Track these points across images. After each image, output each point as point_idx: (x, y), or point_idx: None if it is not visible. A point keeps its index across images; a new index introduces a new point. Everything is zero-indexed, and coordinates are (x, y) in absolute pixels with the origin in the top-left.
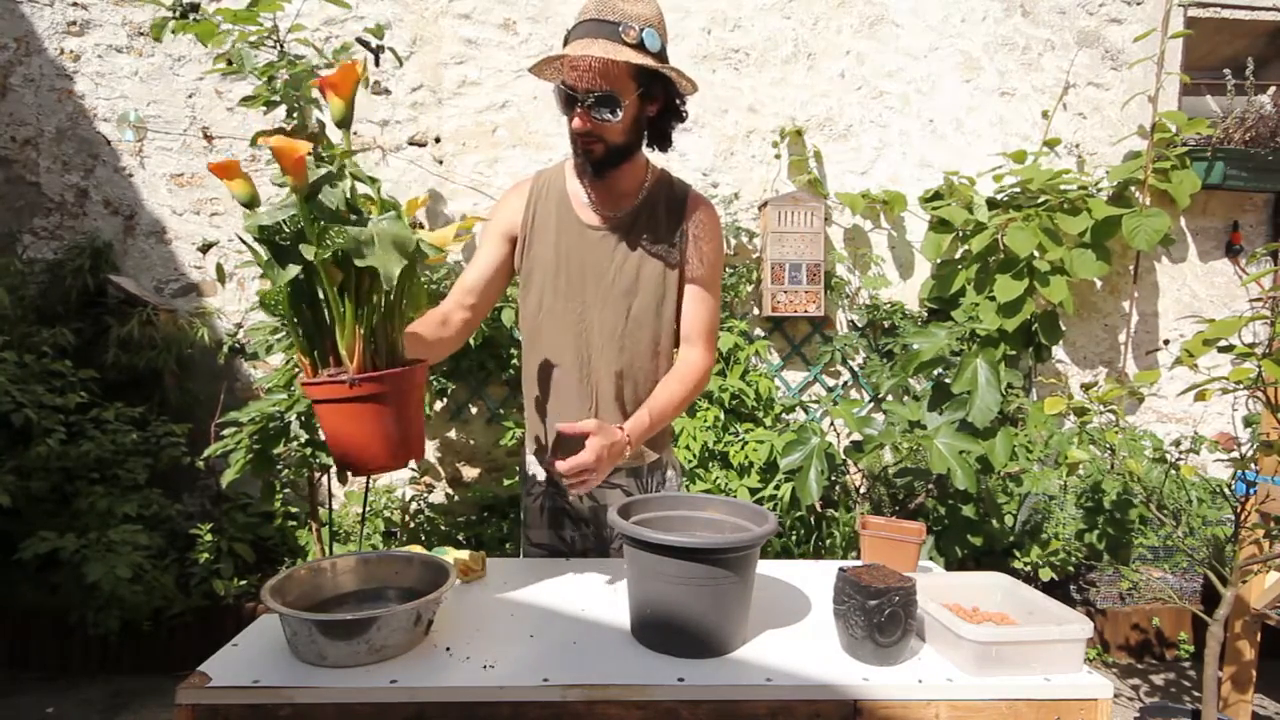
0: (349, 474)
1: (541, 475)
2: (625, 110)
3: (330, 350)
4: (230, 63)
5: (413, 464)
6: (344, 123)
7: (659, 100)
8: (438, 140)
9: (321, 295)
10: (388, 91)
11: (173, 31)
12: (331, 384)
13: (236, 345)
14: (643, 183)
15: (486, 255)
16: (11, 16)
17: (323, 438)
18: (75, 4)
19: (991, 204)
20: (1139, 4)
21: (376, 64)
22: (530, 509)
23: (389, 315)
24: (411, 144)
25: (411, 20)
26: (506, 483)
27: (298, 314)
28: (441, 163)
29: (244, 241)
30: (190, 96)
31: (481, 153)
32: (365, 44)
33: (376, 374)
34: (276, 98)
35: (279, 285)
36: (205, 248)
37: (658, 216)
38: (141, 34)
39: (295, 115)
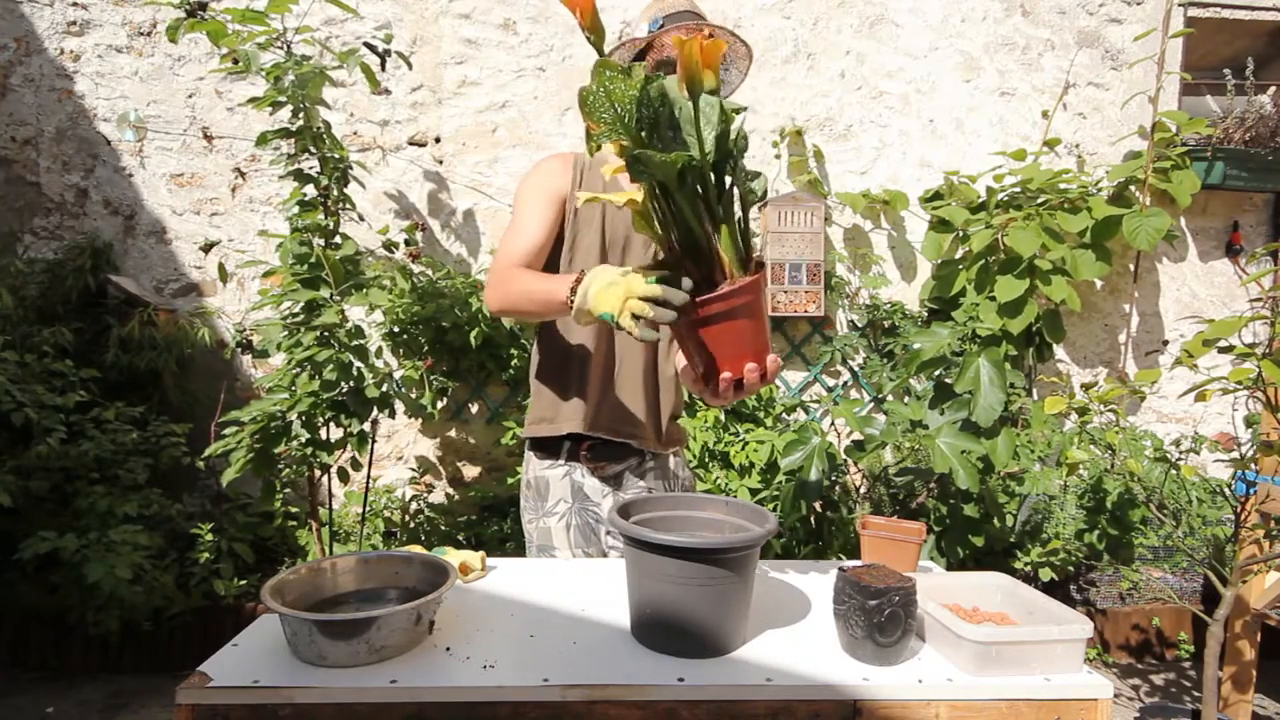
0: (729, 393)
1: (567, 491)
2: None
3: (698, 266)
4: (237, 61)
5: (413, 464)
6: (715, 91)
7: None
8: (438, 140)
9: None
10: (388, 91)
11: (185, 31)
12: (739, 294)
13: (245, 341)
14: None
15: (540, 221)
16: (11, 16)
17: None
18: (75, 4)
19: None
20: (1139, 4)
21: (383, 68)
22: (552, 530)
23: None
24: (411, 144)
25: (411, 20)
26: (510, 481)
27: (672, 232)
28: (441, 163)
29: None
30: (190, 96)
31: (481, 153)
32: (373, 48)
33: (758, 269)
34: (283, 98)
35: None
36: (206, 247)
37: None
38: (141, 34)
39: (301, 116)
